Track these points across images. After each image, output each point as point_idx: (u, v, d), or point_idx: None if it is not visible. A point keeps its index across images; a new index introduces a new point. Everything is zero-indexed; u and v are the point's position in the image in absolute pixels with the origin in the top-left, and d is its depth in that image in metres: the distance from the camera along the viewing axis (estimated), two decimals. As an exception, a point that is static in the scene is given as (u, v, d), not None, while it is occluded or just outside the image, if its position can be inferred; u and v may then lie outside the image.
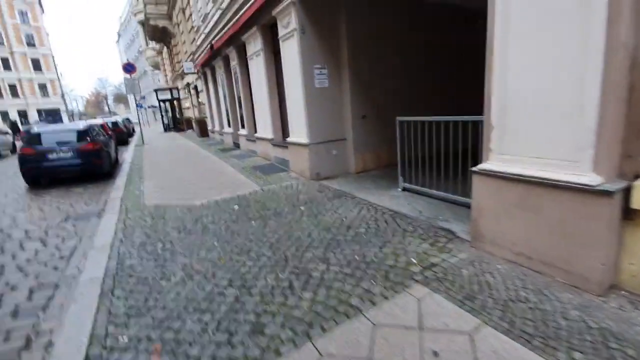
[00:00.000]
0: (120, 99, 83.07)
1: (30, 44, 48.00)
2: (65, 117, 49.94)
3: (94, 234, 4.56)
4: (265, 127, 8.43)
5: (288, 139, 6.95)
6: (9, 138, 18.10)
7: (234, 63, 10.08)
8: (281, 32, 6.39)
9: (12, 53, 46.16)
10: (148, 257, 3.57)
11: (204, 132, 17.56)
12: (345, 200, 4.92)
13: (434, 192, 4.53)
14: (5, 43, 45.42)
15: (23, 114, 46.55)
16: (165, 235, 4.13)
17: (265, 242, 3.69)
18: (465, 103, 5.13)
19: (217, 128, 14.76)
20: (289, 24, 6.01)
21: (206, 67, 14.18)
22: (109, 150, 9.22)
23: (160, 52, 32.89)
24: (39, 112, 47.70)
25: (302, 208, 4.74)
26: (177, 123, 25.36)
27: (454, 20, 7.42)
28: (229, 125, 12.34)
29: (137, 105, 22.65)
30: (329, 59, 6.20)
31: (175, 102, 25.42)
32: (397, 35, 6.61)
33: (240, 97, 10.34)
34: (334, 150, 6.51)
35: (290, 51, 6.21)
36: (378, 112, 6.63)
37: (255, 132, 9.89)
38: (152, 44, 33.68)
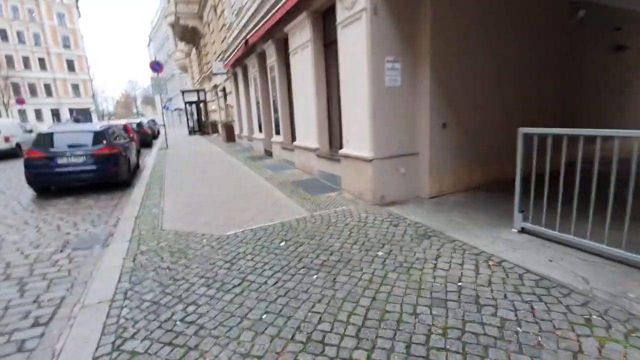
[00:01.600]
0: (148, 101, 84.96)
1: (66, 45, 49.40)
2: (94, 117, 50.96)
3: (92, 276, 3.30)
4: (308, 135, 7.09)
5: (342, 151, 5.56)
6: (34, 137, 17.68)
7: (272, 60, 8.86)
8: (341, 15, 5.05)
9: (48, 54, 47.60)
10: (160, 338, 2.23)
11: (230, 136, 16.53)
12: (439, 244, 3.44)
13: (591, 244, 2.98)
14: (43, 44, 46.89)
15: (55, 113, 47.78)
16: (187, 291, 2.79)
17: (344, 322, 2.27)
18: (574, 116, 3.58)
19: (245, 133, 13.63)
20: (355, 4, 4.65)
21: (237, 66, 13.12)
22: (129, 155, 8.14)
23: (188, 54, 32.63)
24: (70, 111, 48.82)
25: (380, 254, 3.30)
26: (202, 126, 24.63)
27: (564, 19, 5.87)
28: (260, 131, 11.13)
29: (163, 107, 22.01)
30: (404, 49, 4.79)
31: (201, 104, 24.74)
32: (493, 26, 5.14)
33: (276, 99, 9.09)
34: (403, 167, 5.06)
35: (354, 39, 4.85)
36: (460, 121, 5.14)
37: (294, 140, 8.59)
38: (181, 46, 33.54)
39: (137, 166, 10.35)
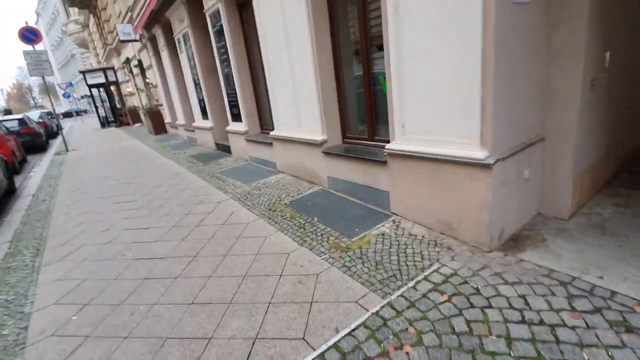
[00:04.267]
0: (49, 89, 71.32)
1: None
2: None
3: None
4: (304, 121, 4.26)
5: (397, 148, 2.93)
6: None
7: (213, 3, 5.61)
8: None
9: None
10: None
11: (159, 127, 12.66)
12: None
13: None
14: None
15: None
16: None
17: None
18: None
19: (181, 121, 10.08)
20: None
21: (154, 26, 9.31)
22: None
23: (86, 25, 25.94)
24: None
25: None
26: (118, 115, 19.65)
27: None
28: (206, 117, 7.85)
29: (63, 95, 16.87)
30: None
31: (112, 86, 19.59)
32: None
33: (229, 70, 5.95)
34: (527, 168, 2.65)
35: None
36: (608, 76, 2.83)
37: (264, 128, 5.70)
38: (74, 14, 26.54)
39: (11, 190, 6.54)
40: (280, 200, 3.98)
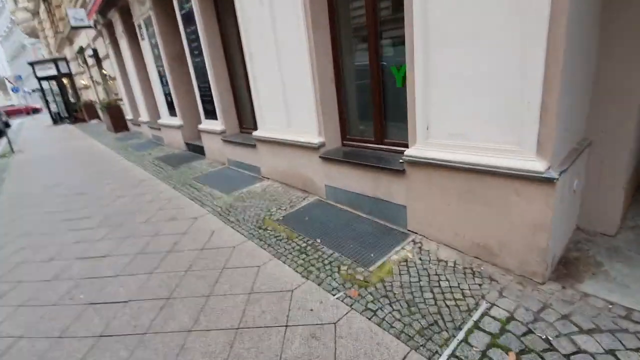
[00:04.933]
0: (-4, 83, 65.02)
1: None
2: None
3: None
4: (301, 119, 3.64)
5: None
6: None
7: (179, -18, 4.80)
8: None
9: None
10: None
11: (119, 123, 11.42)
12: None
13: None
14: None
15: None
16: None
17: None
18: None
19: (144, 118, 9.05)
20: None
21: (111, 11, 8.20)
22: None
23: (36, 13, 23.36)
24: None
25: None
26: (72, 111, 17.85)
27: None
28: (173, 113, 6.97)
29: (12, 90, 15.07)
30: None
31: (65, 79, 17.71)
32: None
33: (201, 61, 5.17)
34: (576, 179, 2.23)
35: None
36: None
37: (243, 126, 5.06)
38: (23, 0, 23.80)
39: None
40: (271, 214, 3.36)
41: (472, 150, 2.14)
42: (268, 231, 3.04)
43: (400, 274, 2.25)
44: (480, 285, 2.08)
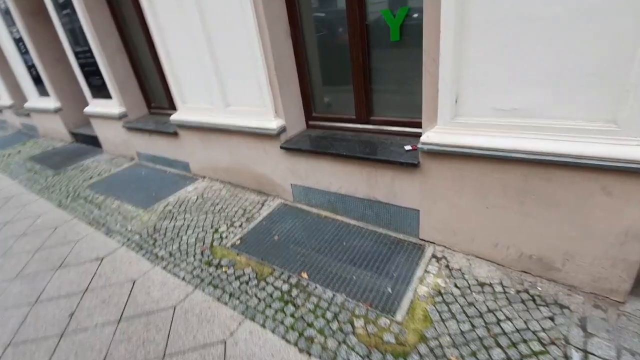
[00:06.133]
0: None
1: None
2: None
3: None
4: (251, 91, 2.53)
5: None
6: None
7: None
8: None
9: None
10: None
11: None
12: None
13: None
14: None
15: None
16: None
17: None
18: None
19: (5, 101, 6.56)
20: None
21: None
22: None
23: None
24: None
25: None
26: None
27: None
28: (45, 92, 5.00)
29: None
30: None
31: None
32: None
33: (81, 13, 3.48)
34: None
35: None
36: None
37: (174, 107, 3.76)
38: None
39: None
40: (221, 236, 2.36)
41: (536, 133, 1.45)
42: (222, 269, 2.06)
43: (442, 320, 1.56)
44: (552, 318, 1.51)
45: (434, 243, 2.01)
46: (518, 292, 1.67)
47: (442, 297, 1.68)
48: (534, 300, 1.61)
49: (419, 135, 1.83)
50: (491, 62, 1.44)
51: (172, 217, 2.68)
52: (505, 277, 1.76)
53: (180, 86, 2.86)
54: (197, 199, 2.89)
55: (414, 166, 1.83)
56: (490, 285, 1.72)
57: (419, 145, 1.74)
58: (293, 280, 1.89)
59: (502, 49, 1.40)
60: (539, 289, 1.67)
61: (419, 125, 1.84)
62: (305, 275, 1.90)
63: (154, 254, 2.29)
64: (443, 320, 1.56)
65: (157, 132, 3.37)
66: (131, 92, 3.75)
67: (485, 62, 1.46)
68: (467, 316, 1.57)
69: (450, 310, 1.61)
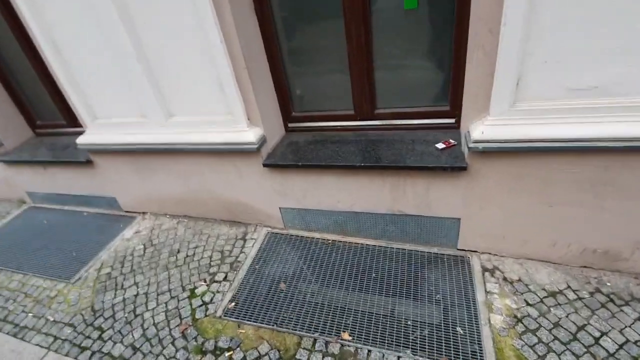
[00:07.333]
0: None
1: None
2: None
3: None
4: (208, 91, 1.78)
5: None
6: None
7: None
8: None
9: None
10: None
11: None
12: None
13: None
14: None
15: None
16: None
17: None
18: None
19: None
20: None
21: None
22: None
23: None
24: None
25: None
26: None
27: None
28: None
29: None
30: None
31: None
32: None
33: None
34: None
35: None
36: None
37: (71, 121, 2.66)
38: None
39: None
40: (202, 301, 1.69)
41: (621, 114, 1.18)
42: (225, 354, 1.45)
43: (540, 358, 1.27)
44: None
45: (477, 252, 1.72)
46: (592, 294, 1.47)
47: (523, 323, 1.39)
48: (612, 301, 1.43)
49: (444, 127, 1.46)
50: (570, 29, 1.10)
51: (116, 285, 1.89)
52: (568, 277, 1.55)
53: (86, 95, 1.97)
54: (144, 248, 2.11)
55: (460, 170, 1.46)
56: (561, 292, 1.49)
57: (471, 145, 1.36)
58: (334, 349, 1.40)
59: (586, 11, 1.06)
60: (608, 284, 1.50)
61: (442, 115, 1.46)
62: (346, 336, 1.43)
63: (107, 355, 1.54)
64: (541, 358, 1.27)
65: (58, 162, 2.38)
66: (5, 108, 2.59)
67: (564, 30, 1.11)
68: (562, 343, 1.31)
69: (540, 340, 1.32)
